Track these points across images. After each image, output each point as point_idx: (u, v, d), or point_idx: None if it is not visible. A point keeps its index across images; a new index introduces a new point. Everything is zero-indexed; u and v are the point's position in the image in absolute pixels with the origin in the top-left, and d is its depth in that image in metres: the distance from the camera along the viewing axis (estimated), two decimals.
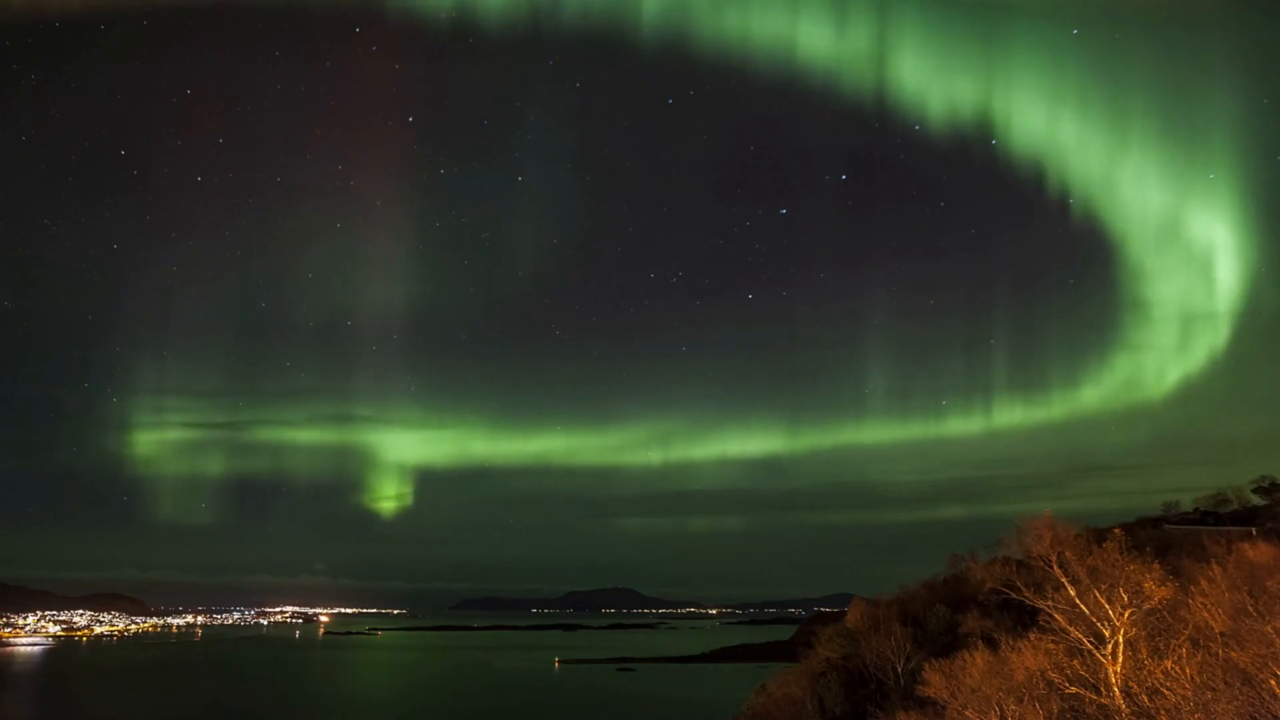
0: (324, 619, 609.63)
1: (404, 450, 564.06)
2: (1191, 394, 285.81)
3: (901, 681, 46.90)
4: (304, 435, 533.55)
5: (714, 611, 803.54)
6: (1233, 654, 22.76)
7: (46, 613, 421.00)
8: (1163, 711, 23.36)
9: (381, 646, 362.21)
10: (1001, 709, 26.94)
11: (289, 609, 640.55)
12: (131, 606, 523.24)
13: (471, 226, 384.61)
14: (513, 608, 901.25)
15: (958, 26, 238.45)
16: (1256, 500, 78.07)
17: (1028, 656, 28.52)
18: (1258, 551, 27.30)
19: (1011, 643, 30.60)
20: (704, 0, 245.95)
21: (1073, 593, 27.83)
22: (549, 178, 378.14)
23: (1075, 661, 27.29)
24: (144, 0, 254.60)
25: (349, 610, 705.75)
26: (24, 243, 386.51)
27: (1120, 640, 26.55)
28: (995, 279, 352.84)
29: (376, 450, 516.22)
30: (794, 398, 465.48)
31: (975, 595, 48.29)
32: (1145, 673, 24.90)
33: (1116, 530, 31.78)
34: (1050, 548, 29.47)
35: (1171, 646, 24.78)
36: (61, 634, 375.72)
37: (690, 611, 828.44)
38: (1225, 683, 22.18)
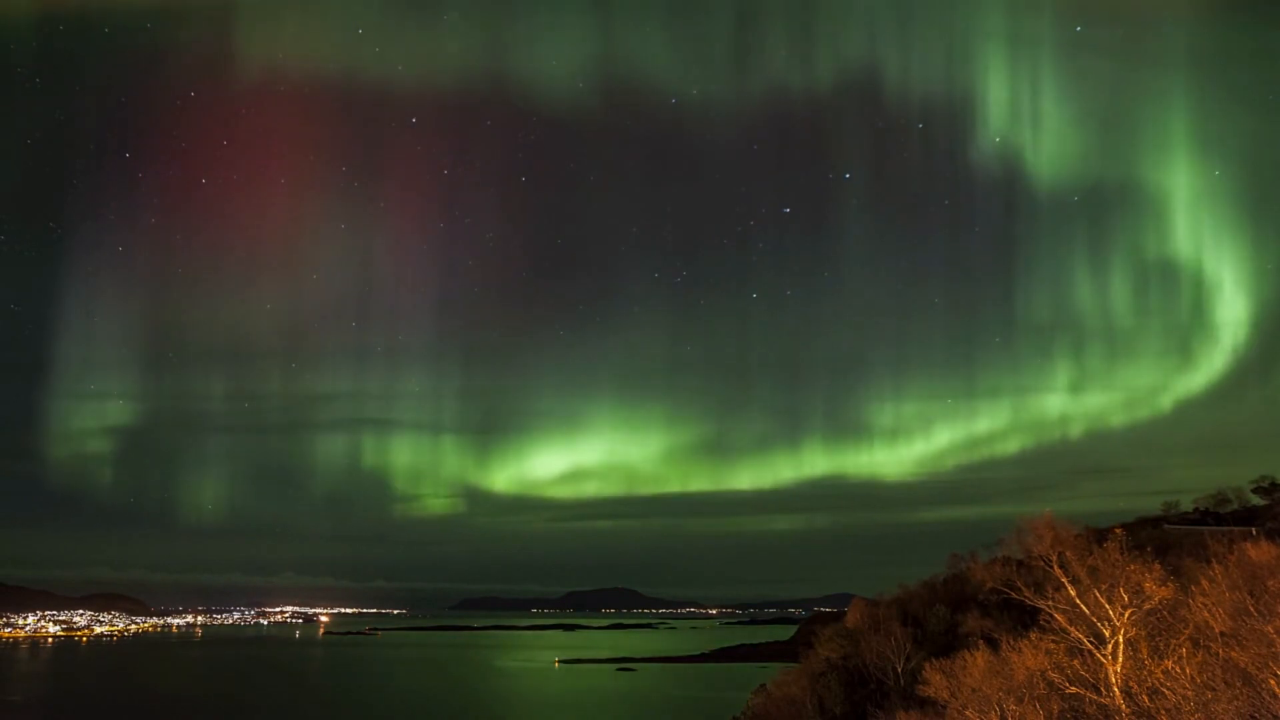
0: (324, 619, 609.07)
1: (406, 451, 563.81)
2: (1192, 395, 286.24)
3: (901, 681, 46.91)
4: (307, 436, 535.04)
5: (714, 611, 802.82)
6: (1233, 654, 22.73)
7: (46, 613, 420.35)
8: (1163, 711, 23.34)
9: (382, 646, 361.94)
10: (1002, 709, 26.92)
11: (289, 609, 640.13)
12: (131, 606, 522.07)
13: (475, 227, 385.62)
14: (513, 608, 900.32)
15: (963, 25, 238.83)
16: (1256, 500, 78.11)
17: (1028, 656, 28.47)
18: (1259, 551, 27.22)
19: (1012, 643, 30.54)
20: (706, 0, 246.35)
21: (1073, 593, 27.79)
22: (552, 178, 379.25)
23: (1075, 661, 27.25)
24: (147, 2, 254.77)
25: (349, 610, 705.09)
26: (28, 246, 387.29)
27: (1120, 640, 26.52)
28: (999, 278, 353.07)
29: (379, 451, 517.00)
30: (796, 397, 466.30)
31: (975, 595, 48.25)
32: (1145, 673, 24.86)
33: (1117, 530, 31.72)
34: (1051, 547, 29.38)
35: (1172, 646, 24.75)
36: (61, 634, 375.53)
37: (690, 611, 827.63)
38: (1225, 683, 22.15)
